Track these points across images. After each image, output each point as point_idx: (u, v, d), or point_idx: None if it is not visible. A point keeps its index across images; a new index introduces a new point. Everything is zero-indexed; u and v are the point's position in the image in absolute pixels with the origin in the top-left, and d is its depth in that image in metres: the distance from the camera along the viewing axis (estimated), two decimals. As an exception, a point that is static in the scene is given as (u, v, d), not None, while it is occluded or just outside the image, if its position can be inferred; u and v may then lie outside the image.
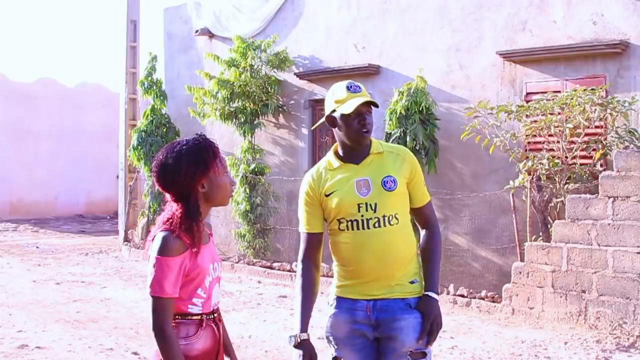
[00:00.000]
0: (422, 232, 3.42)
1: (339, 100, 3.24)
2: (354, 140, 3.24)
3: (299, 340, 3.16)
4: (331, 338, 3.29)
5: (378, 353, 3.28)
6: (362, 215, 3.19)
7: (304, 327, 3.20)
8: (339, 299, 3.29)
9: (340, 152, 3.32)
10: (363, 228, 3.19)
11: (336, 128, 3.28)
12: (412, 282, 3.27)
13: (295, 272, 10.81)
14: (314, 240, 3.33)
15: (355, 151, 3.28)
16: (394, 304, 3.20)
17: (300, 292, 3.30)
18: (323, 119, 3.38)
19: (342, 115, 3.22)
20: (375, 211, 3.19)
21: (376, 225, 3.18)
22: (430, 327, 3.19)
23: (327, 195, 3.25)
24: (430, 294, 3.26)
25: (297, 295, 3.32)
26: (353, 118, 3.20)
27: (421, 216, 3.41)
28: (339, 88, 3.28)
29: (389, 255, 3.19)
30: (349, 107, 3.18)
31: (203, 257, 2.75)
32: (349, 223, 3.21)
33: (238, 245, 12.41)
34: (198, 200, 2.74)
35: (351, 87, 3.25)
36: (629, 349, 6.90)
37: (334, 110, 3.26)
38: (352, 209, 3.20)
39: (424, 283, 3.31)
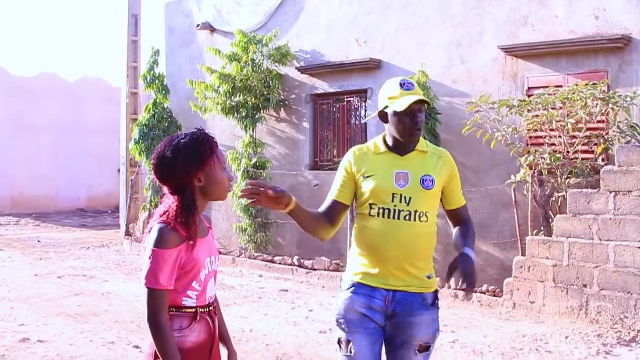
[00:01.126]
0: (456, 229, 3.47)
1: (392, 97, 3.31)
2: (406, 137, 3.32)
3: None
4: (342, 321, 3.31)
5: (385, 343, 3.34)
6: (395, 206, 3.26)
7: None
8: (358, 285, 3.31)
9: (389, 142, 3.39)
10: (394, 218, 3.25)
11: (388, 124, 3.35)
12: (429, 277, 3.35)
13: (296, 266, 10.90)
14: (337, 208, 3.38)
15: (404, 145, 3.35)
16: (412, 299, 3.28)
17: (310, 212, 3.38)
18: (375, 114, 3.45)
19: (395, 113, 3.28)
20: (408, 205, 3.25)
21: (407, 218, 3.25)
22: (465, 281, 3.19)
23: (365, 177, 3.33)
24: (465, 250, 3.29)
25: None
26: (405, 115, 3.27)
27: (458, 217, 3.48)
28: (392, 85, 3.35)
29: (413, 249, 3.27)
30: (402, 105, 3.25)
31: (199, 251, 2.76)
32: (381, 210, 3.27)
33: (239, 240, 12.42)
34: (195, 194, 2.76)
35: (404, 84, 3.32)
36: (630, 343, 6.91)
37: (386, 107, 3.33)
38: (386, 197, 3.27)
39: (460, 244, 3.36)
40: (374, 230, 3.27)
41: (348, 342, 3.28)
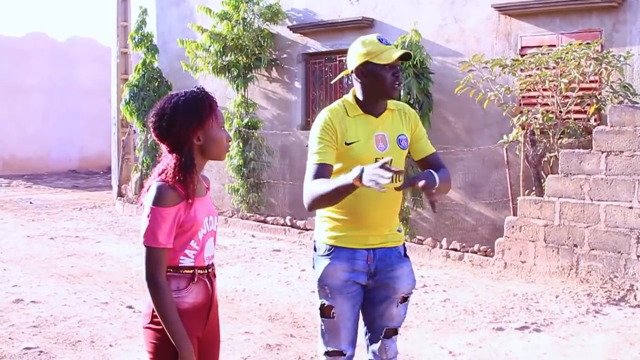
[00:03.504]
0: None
1: (372, 51, 3.21)
2: (386, 93, 3.24)
3: (359, 171, 2.85)
4: (325, 287, 3.31)
5: (366, 299, 3.37)
6: None
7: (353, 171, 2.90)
8: (337, 249, 3.30)
9: (362, 102, 3.30)
10: None
11: (364, 80, 3.25)
12: (399, 231, 3.45)
13: (288, 226, 10.93)
14: (325, 172, 3.16)
15: (379, 104, 3.30)
16: (390, 253, 3.35)
17: (323, 183, 3.08)
18: (346, 72, 3.40)
19: (377, 67, 3.20)
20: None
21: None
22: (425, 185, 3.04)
23: (347, 144, 3.23)
24: (432, 171, 3.14)
25: (321, 185, 3.06)
26: (388, 70, 3.21)
27: (431, 163, 3.34)
28: (370, 40, 3.26)
29: (392, 208, 3.36)
30: (388, 57, 3.18)
31: (198, 209, 2.75)
32: None
33: (232, 200, 12.42)
34: (193, 152, 2.74)
35: (382, 40, 3.26)
36: (619, 302, 6.98)
37: (366, 62, 3.22)
38: (370, 163, 3.13)
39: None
40: (358, 196, 3.12)
41: (330, 307, 3.30)
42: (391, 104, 3.37)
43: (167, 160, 2.75)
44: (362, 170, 2.82)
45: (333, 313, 3.30)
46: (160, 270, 2.65)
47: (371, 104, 3.29)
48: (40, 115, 22.37)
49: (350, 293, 3.30)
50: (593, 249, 7.61)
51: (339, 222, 3.31)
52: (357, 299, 3.33)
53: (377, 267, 3.31)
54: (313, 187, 3.11)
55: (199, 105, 2.73)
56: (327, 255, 3.32)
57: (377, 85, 3.23)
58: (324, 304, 3.32)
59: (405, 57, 3.23)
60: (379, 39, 3.25)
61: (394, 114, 3.36)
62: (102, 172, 22.11)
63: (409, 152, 3.43)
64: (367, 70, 3.24)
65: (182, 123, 2.70)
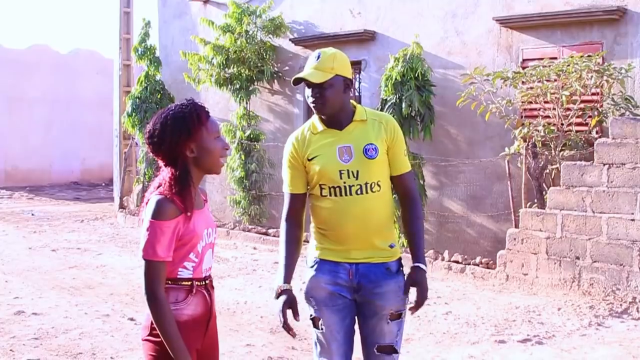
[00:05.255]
0: (402, 203, 3.42)
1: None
2: (312, 109, 3.28)
3: (280, 290, 3.20)
4: (310, 299, 3.32)
5: (356, 313, 3.35)
6: (344, 182, 3.21)
7: (286, 278, 3.23)
8: (320, 261, 3.31)
9: (324, 117, 3.31)
10: (345, 194, 3.22)
11: None
12: (391, 246, 3.33)
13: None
14: (297, 201, 3.38)
15: (334, 118, 3.29)
16: (375, 269, 3.27)
17: (284, 247, 3.35)
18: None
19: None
20: (357, 178, 3.21)
21: (358, 192, 3.21)
22: (420, 299, 3.28)
23: (309, 160, 3.27)
24: (419, 265, 3.30)
25: (281, 250, 3.36)
26: (304, 88, 3.29)
27: (400, 186, 3.38)
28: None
29: (369, 222, 3.24)
30: (292, 79, 3.31)
31: (197, 222, 2.76)
32: (331, 189, 3.24)
33: (233, 212, 12.42)
34: (187, 165, 2.75)
35: (316, 57, 3.27)
36: (621, 314, 6.95)
37: None
38: (334, 175, 3.22)
39: (411, 255, 3.35)
40: (328, 209, 3.25)
41: (318, 318, 3.30)
42: (363, 114, 3.31)
43: (164, 174, 2.77)
44: (285, 297, 3.15)
45: (321, 325, 3.30)
46: (160, 283, 2.66)
47: (329, 118, 3.29)
48: (43, 127, 22.41)
49: (336, 306, 3.28)
50: (595, 262, 7.59)
51: (323, 235, 3.33)
52: (346, 312, 3.30)
53: (359, 282, 3.26)
54: (280, 243, 3.41)
55: (187, 118, 2.73)
56: (312, 267, 3.34)
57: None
58: (312, 315, 3.34)
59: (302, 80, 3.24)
60: (315, 56, 3.28)
61: (366, 125, 3.29)
62: (104, 184, 22.12)
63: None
64: None
65: (171, 137, 2.71)
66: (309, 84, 3.22)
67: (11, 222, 13.85)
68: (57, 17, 51.80)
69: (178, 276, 2.75)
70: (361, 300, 3.30)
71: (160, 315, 2.64)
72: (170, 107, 2.80)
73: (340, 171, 3.21)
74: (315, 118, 3.35)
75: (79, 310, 7.04)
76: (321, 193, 3.27)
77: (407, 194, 3.39)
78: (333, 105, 3.23)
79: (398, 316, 3.31)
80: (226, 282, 8.32)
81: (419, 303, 3.27)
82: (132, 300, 7.53)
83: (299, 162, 3.32)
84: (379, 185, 3.24)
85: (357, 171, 3.20)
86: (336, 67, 3.23)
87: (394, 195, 3.43)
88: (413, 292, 3.30)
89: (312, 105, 3.24)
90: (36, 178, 21.99)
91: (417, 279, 3.27)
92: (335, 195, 3.23)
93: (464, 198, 10.08)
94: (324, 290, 3.28)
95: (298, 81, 3.27)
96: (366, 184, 3.21)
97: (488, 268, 8.64)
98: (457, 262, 9.00)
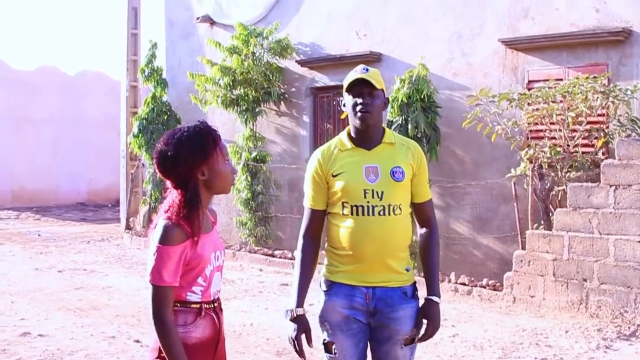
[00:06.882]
0: (421, 230, 3.43)
1: (346, 79, 3.29)
2: (354, 118, 3.25)
3: (294, 315, 3.20)
4: (325, 322, 3.29)
5: (370, 338, 3.32)
6: (368, 202, 3.19)
7: (300, 302, 3.23)
8: (336, 285, 3.28)
9: (353, 135, 3.32)
10: (367, 214, 3.19)
11: (345, 109, 3.33)
12: (407, 270, 3.32)
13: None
14: (317, 217, 3.34)
15: (366, 135, 3.28)
16: (392, 293, 3.24)
17: (300, 266, 3.33)
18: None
19: (347, 96, 3.27)
20: (381, 199, 3.19)
21: (381, 213, 3.19)
22: (430, 331, 3.29)
23: (334, 176, 3.25)
24: (433, 298, 3.31)
25: (296, 269, 3.34)
26: (351, 96, 3.24)
27: (422, 213, 3.40)
28: (352, 71, 3.32)
29: (388, 244, 3.21)
30: (346, 83, 3.25)
31: (204, 246, 2.74)
32: (354, 208, 3.21)
33: (239, 233, 12.41)
34: (198, 188, 2.73)
35: (360, 69, 3.28)
36: (629, 337, 6.91)
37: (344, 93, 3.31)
38: (358, 194, 3.20)
39: (426, 285, 3.35)
40: (349, 228, 3.21)
41: (331, 343, 3.28)
42: (391, 137, 3.33)
43: (173, 196, 2.75)
44: (300, 323, 3.20)
45: (334, 349, 3.27)
46: (167, 308, 2.65)
47: (359, 136, 3.29)
48: (50, 147, 22.52)
49: (351, 330, 3.25)
50: (603, 284, 7.55)
51: (338, 257, 3.30)
52: (360, 337, 3.28)
53: (376, 306, 3.23)
54: (296, 262, 3.41)
55: (203, 141, 2.71)
56: (327, 290, 3.31)
57: (349, 113, 3.27)
58: (325, 339, 3.31)
59: (365, 82, 3.23)
60: (356, 69, 3.29)
61: (394, 148, 3.30)
62: (110, 205, 22.15)
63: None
64: (344, 101, 3.33)
65: (186, 159, 2.68)
66: (359, 92, 3.22)
67: (18, 243, 13.87)
68: (65, 38, 52.16)
69: (187, 299, 2.74)
70: (376, 325, 3.27)
71: (167, 339, 2.63)
72: (182, 128, 2.77)
73: (365, 190, 3.19)
74: (343, 135, 3.35)
75: (85, 332, 7.03)
76: (342, 211, 3.24)
77: (427, 221, 3.41)
78: (376, 117, 3.26)
79: (412, 341, 3.28)
80: (232, 303, 8.30)
81: (429, 335, 3.27)
82: (138, 322, 7.51)
83: (322, 178, 3.29)
84: (400, 209, 3.23)
85: (382, 192, 3.19)
86: (381, 83, 3.28)
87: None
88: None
89: (358, 114, 3.21)
90: (43, 198, 22.05)
91: (430, 313, 3.28)
92: (357, 214, 3.20)
93: (470, 219, 10.06)
94: (339, 314, 3.25)
95: (348, 87, 3.27)
96: (389, 205, 3.20)
97: (495, 290, 8.61)
98: (463, 284, 8.97)
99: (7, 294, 8.83)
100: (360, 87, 3.22)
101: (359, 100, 3.22)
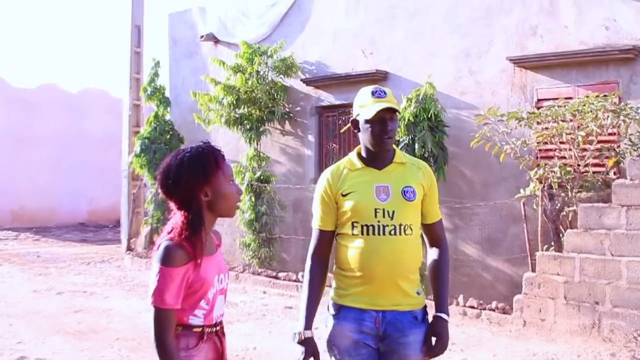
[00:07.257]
0: (431, 250, 3.42)
1: (362, 105, 3.26)
2: (376, 145, 3.23)
3: (302, 337, 3.15)
4: (333, 347, 3.24)
5: None
6: (379, 221, 3.17)
7: (308, 325, 3.20)
8: (345, 308, 3.24)
9: (364, 155, 3.32)
10: (378, 234, 3.17)
11: (358, 132, 3.30)
12: (418, 293, 3.28)
13: (301, 282, 10.71)
14: (325, 238, 3.31)
15: (378, 156, 3.28)
16: (402, 317, 3.21)
17: (307, 288, 3.30)
18: (349, 125, 3.42)
19: (365, 120, 3.22)
20: (392, 218, 3.17)
21: (392, 232, 3.17)
22: (439, 349, 3.27)
23: (343, 195, 3.24)
24: (442, 315, 3.29)
25: (304, 291, 3.32)
26: (375, 123, 3.20)
27: (432, 233, 3.41)
28: (364, 93, 3.30)
29: (399, 264, 3.19)
30: (370, 112, 3.19)
31: (207, 269, 2.70)
32: (364, 227, 3.18)
33: (243, 255, 12.24)
34: (201, 209, 2.70)
35: (376, 92, 3.25)
36: (645, 362, 6.74)
37: (358, 115, 3.28)
38: (368, 213, 3.18)
39: (434, 303, 3.34)
40: (358, 249, 3.18)
41: None
42: (402, 157, 3.33)
43: (176, 217, 2.72)
44: (309, 346, 3.13)
45: None
46: (168, 331, 2.61)
47: (370, 157, 3.29)
48: (51, 166, 22.42)
49: (360, 355, 3.20)
50: (615, 306, 7.38)
51: (346, 279, 3.26)
52: None
53: (386, 330, 3.19)
54: (304, 283, 3.35)
55: (204, 161, 2.70)
56: (335, 314, 3.27)
57: (368, 138, 3.24)
58: None
59: (393, 109, 3.22)
60: (372, 92, 3.26)
61: (405, 168, 3.31)
62: (111, 226, 22.01)
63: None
64: (358, 123, 3.29)
65: (188, 180, 2.67)
66: (382, 118, 3.18)
67: (16, 264, 13.72)
68: (67, 56, 52.30)
69: (189, 323, 2.69)
70: (385, 350, 3.22)
71: None
72: (185, 149, 2.75)
73: (375, 209, 3.18)
74: (353, 156, 3.35)
75: (84, 356, 6.92)
76: (352, 232, 3.21)
77: (438, 241, 3.41)
78: (394, 140, 3.28)
79: None
80: (235, 327, 8.15)
81: (437, 353, 3.24)
82: (139, 345, 7.35)
83: (331, 198, 3.28)
84: (411, 229, 3.22)
85: (393, 211, 3.17)
86: (397, 103, 3.29)
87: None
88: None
89: (383, 139, 3.20)
90: (43, 218, 21.91)
91: (439, 331, 3.27)
92: (368, 234, 3.17)
93: (478, 241, 9.89)
94: (348, 338, 3.20)
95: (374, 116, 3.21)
96: (400, 225, 3.18)
97: (504, 313, 8.44)
98: (472, 307, 8.81)
99: (4, 316, 8.69)
100: (383, 113, 3.19)
101: (386, 128, 3.21)
